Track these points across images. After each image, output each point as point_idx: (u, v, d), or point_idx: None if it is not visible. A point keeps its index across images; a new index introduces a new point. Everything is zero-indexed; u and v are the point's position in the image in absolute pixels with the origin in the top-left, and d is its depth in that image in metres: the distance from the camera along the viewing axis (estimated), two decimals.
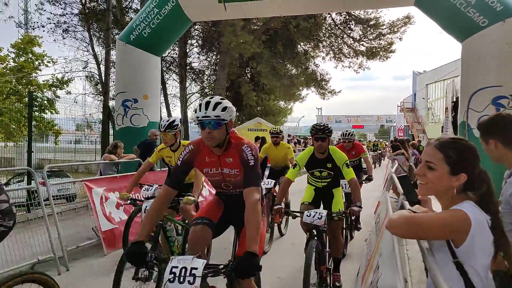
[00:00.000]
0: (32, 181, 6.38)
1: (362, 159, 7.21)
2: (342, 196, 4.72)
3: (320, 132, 4.15)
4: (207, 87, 24.02)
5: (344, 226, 5.64)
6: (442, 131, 22.49)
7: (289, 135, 26.52)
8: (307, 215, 3.81)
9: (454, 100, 17.58)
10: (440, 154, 1.61)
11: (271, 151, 7.00)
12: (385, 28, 18.77)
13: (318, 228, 3.86)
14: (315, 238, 3.82)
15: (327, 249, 4.23)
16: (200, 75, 23.66)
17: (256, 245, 2.19)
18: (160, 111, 15.22)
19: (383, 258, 2.72)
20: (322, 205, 4.67)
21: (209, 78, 23.98)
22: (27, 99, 13.45)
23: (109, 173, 6.63)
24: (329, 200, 4.57)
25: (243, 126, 20.58)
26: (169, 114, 21.23)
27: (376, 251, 3.49)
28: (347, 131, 6.90)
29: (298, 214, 4.05)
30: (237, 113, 25.73)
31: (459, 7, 6.58)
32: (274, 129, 6.87)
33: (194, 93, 23.76)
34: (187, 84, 22.11)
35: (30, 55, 19.92)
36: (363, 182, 6.69)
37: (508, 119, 2.14)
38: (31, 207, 7.60)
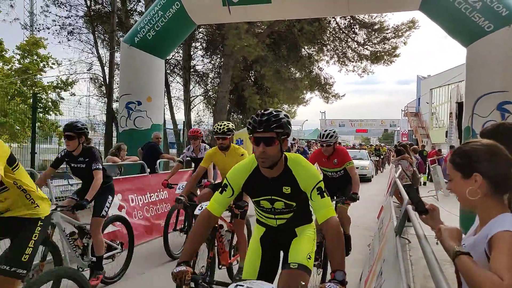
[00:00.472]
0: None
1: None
2: (315, 235, 2.65)
3: (262, 126, 2.18)
4: (210, 90, 24.06)
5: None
6: (446, 136, 22.39)
7: (294, 139, 26.47)
8: None
9: (458, 102, 17.51)
10: (450, 164, 1.66)
11: (218, 159, 4.92)
12: (389, 32, 18.73)
13: None
14: None
15: None
16: (204, 78, 23.70)
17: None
18: (164, 113, 15.25)
19: (386, 264, 2.70)
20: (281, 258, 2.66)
21: (213, 81, 24.02)
22: (31, 100, 13.51)
23: (111, 175, 6.63)
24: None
25: (245, 130, 20.55)
26: (172, 117, 21.27)
27: (379, 257, 3.46)
28: (325, 130, 5.03)
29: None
30: (240, 116, 25.76)
31: (464, 11, 6.55)
32: (219, 127, 4.70)
33: (197, 95, 23.80)
34: (191, 87, 22.15)
35: (35, 57, 20.03)
36: (347, 202, 4.95)
37: None
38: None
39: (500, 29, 6.34)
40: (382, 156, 26.97)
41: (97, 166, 4.23)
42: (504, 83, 6.33)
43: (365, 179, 17.71)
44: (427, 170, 15.62)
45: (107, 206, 4.49)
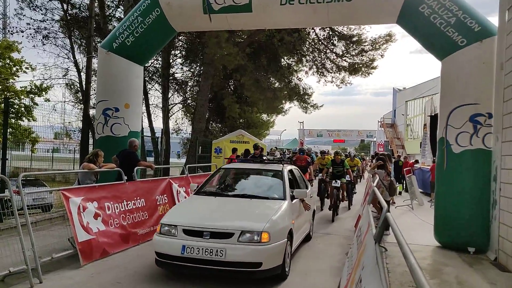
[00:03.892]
0: (6, 190, 6.15)
1: None
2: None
3: None
4: (189, 98, 23.94)
5: None
6: (420, 147, 22.96)
7: (275, 148, 26.64)
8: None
9: (431, 114, 18.01)
10: None
11: None
12: (367, 45, 19.15)
13: None
14: None
15: None
16: (183, 86, 23.57)
17: None
18: (142, 121, 15.05)
19: (365, 271, 2.72)
20: None
21: (192, 89, 23.92)
22: (3, 105, 13.09)
23: (88, 182, 6.45)
24: None
25: (225, 138, 20.51)
26: (150, 124, 21.01)
27: (357, 264, 3.49)
28: None
29: None
30: (219, 125, 25.69)
31: (439, 26, 6.76)
32: None
33: (176, 103, 23.62)
34: (170, 95, 21.98)
35: (8, 61, 19.42)
36: None
37: None
38: (4, 217, 7.34)
39: (472, 44, 6.57)
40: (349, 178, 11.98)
41: None
42: (476, 96, 6.54)
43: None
44: (402, 180, 15.91)
45: None
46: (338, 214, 10.50)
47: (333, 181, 10.18)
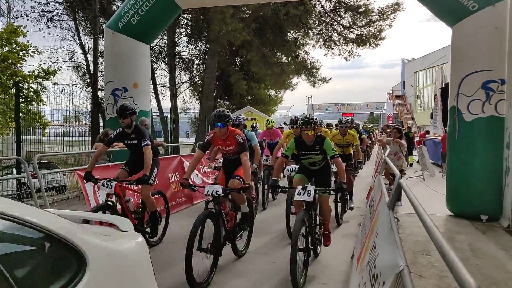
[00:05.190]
0: (22, 172, 6.28)
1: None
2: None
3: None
4: (196, 76, 23.83)
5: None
6: (431, 118, 22.72)
7: (284, 124, 26.56)
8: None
9: (442, 86, 17.75)
10: None
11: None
12: (374, 15, 18.76)
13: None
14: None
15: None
16: (190, 65, 23.45)
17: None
18: (150, 101, 15.08)
19: (380, 238, 2.75)
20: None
21: (198, 67, 23.78)
22: (12, 90, 13.19)
23: (101, 162, 6.55)
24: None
25: (233, 115, 20.52)
26: (158, 104, 21.03)
27: (371, 233, 3.52)
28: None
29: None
30: (227, 102, 25.62)
31: None
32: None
33: (183, 82, 23.56)
34: (177, 74, 21.90)
35: (14, 45, 19.41)
36: None
37: None
38: (22, 199, 7.53)
39: (484, 8, 6.39)
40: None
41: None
42: (489, 62, 6.41)
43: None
44: (413, 152, 15.84)
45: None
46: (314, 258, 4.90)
47: (297, 189, 4.36)
